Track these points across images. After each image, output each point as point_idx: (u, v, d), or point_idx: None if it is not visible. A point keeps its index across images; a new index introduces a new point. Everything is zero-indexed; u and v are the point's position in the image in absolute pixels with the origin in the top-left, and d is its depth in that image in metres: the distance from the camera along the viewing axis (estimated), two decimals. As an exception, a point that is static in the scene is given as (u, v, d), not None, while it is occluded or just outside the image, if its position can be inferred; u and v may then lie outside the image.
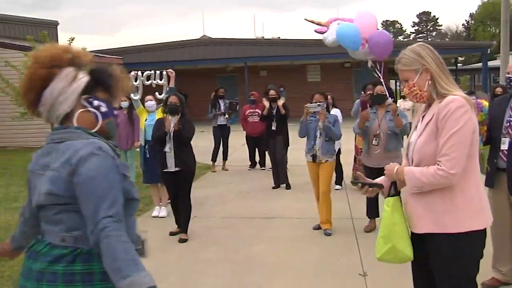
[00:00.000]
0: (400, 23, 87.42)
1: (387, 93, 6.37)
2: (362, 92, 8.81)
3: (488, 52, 25.05)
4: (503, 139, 4.34)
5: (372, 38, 6.01)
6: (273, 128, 9.35)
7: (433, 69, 2.70)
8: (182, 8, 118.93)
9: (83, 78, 2.14)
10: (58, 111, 2.13)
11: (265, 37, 31.59)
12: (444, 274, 2.74)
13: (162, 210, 7.60)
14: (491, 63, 29.41)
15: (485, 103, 4.35)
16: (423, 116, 2.81)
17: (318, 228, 6.69)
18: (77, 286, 2.02)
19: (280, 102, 9.44)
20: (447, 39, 68.11)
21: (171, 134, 6.32)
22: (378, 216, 6.64)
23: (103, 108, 2.16)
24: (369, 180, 3.00)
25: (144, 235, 2.29)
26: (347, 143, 9.61)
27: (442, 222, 2.67)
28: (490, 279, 4.70)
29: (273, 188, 9.45)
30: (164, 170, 6.44)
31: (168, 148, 6.35)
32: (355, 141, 9.09)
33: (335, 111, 8.80)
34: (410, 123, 5.84)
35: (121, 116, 9.39)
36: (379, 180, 3.02)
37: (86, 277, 2.03)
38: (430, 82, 2.71)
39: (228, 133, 11.61)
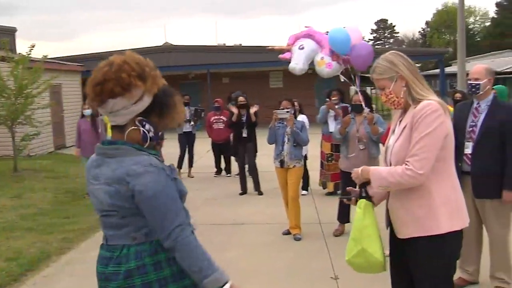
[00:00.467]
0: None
1: (363, 103, 6.48)
2: (328, 99, 8.93)
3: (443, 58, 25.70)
4: (466, 143, 4.49)
5: (354, 50, 6.09)
6: (244, 135, 9.37)
7: (407, 76, 2.75)
8: (142, 14, 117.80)
9: (146, 101, 2.28)
10: (113, 119, 2.31)
11: (227, 44, 31.66)
12: (424, 275, 2.79)
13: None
14: (447, 69, 30.26)
15: (450, 109, 4.49)
16: (400, 121, 2.87)
17: (287, 233, 6.75)
18: (164, 270, 2.28)
19: (253, 109, 9.48)
20: (404, 46, 69.57)
21: None
22: (349, 222, 6.74)
23: (151, 133, 2.30)
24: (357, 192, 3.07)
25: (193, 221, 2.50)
26: (313, 149, 9.73)
27: (424, 226, 2.72)
28: (457, 279, 4.82)
29: (240, 194, 9.48)
30: None
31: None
32: (321, 147, 9.23)
33: (302, 117, 8.90)
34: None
35: (85, 124, 9.33)
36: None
37: (166, 263, 2.29)
38: (405, 88, 2.76)
39: (194, 140, 11.60)
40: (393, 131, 2.93)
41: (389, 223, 2.95)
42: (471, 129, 4.49)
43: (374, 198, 2.99)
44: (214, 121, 10.83)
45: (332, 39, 6.09)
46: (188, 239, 2.20)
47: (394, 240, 2.93)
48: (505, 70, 36.29)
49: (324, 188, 9.33)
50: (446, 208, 2.71)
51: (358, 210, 2.91)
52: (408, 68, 2.77)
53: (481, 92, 4.46)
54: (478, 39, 63.64)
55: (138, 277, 2.25)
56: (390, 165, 2.83)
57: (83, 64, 20.81)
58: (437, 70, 38.73)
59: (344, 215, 6.72)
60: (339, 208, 6.78)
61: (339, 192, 9.19)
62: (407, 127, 2.72)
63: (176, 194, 2.25)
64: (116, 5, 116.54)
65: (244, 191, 9.56)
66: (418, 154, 2.62)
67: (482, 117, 4.46)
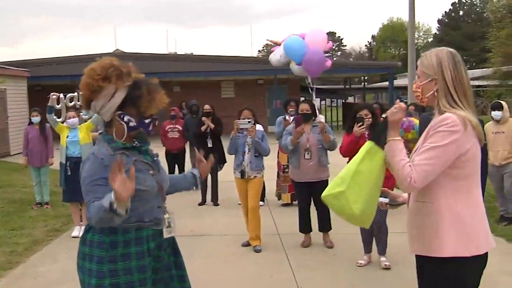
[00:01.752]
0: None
1: (316, 110, 6.50)
2: (285, 110, 8.91)
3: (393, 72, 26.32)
4: None
5: (306, 56, 6.10)
6: (209, 145, 9.20)
7: (443, 84, 2.56)
8: (92, 21, 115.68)
9: (119, 97, 2.65)
10: (102, 117, 2.73)
11: (178, 53, 31.38)
12: None
13: (83, 230, 7.19)
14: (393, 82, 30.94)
15: (416, 122, 4.53)
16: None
17: (247, 244, 6.64)
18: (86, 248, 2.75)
19: (209, 120, 9.29)
20: (351, 59, 71.14)
21: None
22: (311, 231, 6.71)
23: (132, 123, 2.67)
24: (393, 195, 2.94)
25: (171, 217, 2.87)
26: (269, 160, 9.64)
27: (429, 245, 2.54)
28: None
29: (199, 204, 9.29)
30: None
31: None
32: (278, 157, 9.18)
33: (259, 127, 8.84)
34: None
35: (33, 131, 8.96)
36: (393, 194, 2.96)
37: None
38: (436, 93, 2.58)
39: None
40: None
41: None
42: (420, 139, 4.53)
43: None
44: (169, 130, 10.59)
45: (287, 47, 6.15)
46: (93, 203, 2.51)
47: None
48: (448, 84, 37.64)
49: (279, 199, 9.28)
50: (455, 230, 2.49)
51: (361, 150, 2.71)
52: (451, 77, 2.56)
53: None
54: (422, 53, 65.81)
55: (84, 247, 2.73)
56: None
57: (29, 70, 20.11)
58: (383, 83, 39.80)
59: (305, 225, 6.69)
60: (299, 219, 6.74)
61: (295, 202, 9.19)
62: (422, 136, 2.60)
63: (100, 181, 2.54)
64: (64, 11, 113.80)
65: (203, 201, 9.38)
66: (421, 165, 2.46)
67: None
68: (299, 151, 6.46)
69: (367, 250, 5.93)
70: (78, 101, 7.31)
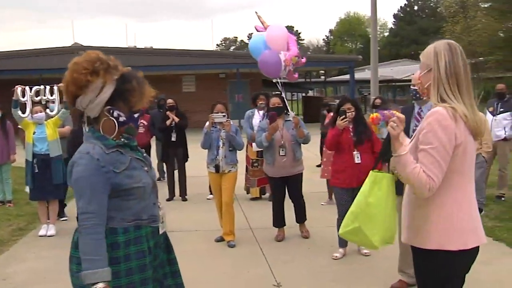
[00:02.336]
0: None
1: (287, 105, 6.52)
2: (254, 104, 8.87)
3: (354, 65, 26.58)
4: None
5: (262, 57, 6.08)
6: (173, 139, 9.06)
7: (437, 75, 2.53)
8: (49, 14, 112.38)
9: (107, 92, 2.55)
10: (88, 113, 2.61)
11: (137, 47, 30.88)
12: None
13: (51, 228, 7.04)
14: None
15: (398, 114, 4.54)
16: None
17: (220, 240, 6.59)
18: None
19: (173, 114, 9.18)
20: (309, 53, 71.64)
21: None
22: (285, 225, 6.72)
23: (122, 118, 2.58)
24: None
25: (162, 211, 2.79)
26: (238, 153, 9.60)
27: (416, 236, 2.57)
28: (397, 282, 4.92)
29: (167, 200, 9.15)
30: None
31: None
32: (247, 151, 9.13)
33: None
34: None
35: (-6, 128, 8.62)
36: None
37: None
38: (431, 84, 2.57)
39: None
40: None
41: None
42: (414, 133, 4.56)
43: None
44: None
45: (251, 45, 6.14)
46: (88, 230, 2.41)
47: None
48: (404, 78, 38.42)
49: (247, 193, 9.25)
50: (441, 224, 2.50)
51: (366, 182, 2.63)
52: (445, 68, 2.52)
53: (425, 98, 4.56)
54: (378, 48, 66.94)
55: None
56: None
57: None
58: (342, 77, 40.26)
59: (279, 220, 6.70)
60: (273, 213, 6.73)
61: (264, 196, 9.18)
62: (417, 132, 2.59)
63: (100, 184, 2.46)
64: (19, 3, 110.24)
65: (171, 197, 9.26)
66: (431, 169, 2.42)
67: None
68: (273, 148, 6.44)
69: (342, 244, 5.94)
70: (45, 95, 7.05)
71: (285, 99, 6.63)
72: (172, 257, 2.89)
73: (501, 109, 8.59)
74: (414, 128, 4.61)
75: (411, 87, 4.64)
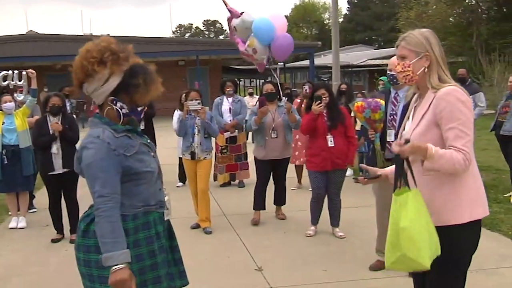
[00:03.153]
0: (220, 23, 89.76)
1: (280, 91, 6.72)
2: (222, 91, 8.88)
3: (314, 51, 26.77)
4: (388, 131, 4.70)
5: (276, 40, 6.29)
6: (141, 127, 8.96)
7: (435, 58, 2.66)
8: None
9: (113, 82, 2.56)
10: (94, 99, 2.65)
11: (93, 34, 30.17)
12: (438, 267, 2.59)
13: (21, 221, 6.89)
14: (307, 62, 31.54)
15: (382, 102, 4.65)
16: (415, 107, 2.78)
17: (196, 227, 6.61)
18: (90, 240, 2.59)
19: None
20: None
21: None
22: (264, 209, 6.82)
23: (124, 110, 2.60)
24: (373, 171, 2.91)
25: (167, 198, 2.82)
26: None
27: (443, 215, 2.60)
28: (375, 262, 5.07)
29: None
30: (50, 173, 6.09)
31: (56, 149, 6.05)
32: (216, 139, 9.12)
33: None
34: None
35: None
36: (372, 169, 2.94)
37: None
38: (426, 69, 2.66)
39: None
40: (408, 117, 2.83)
41: None
42: (391, 117, 4.69)
43: (390, 180, 2.79)
44: (98, 114, 10.23)
45: (256, 28, 6.24)
46: (106, 213, 2.43)
47: None
48: (360, 64, 39.01)
49: (215, 180, 9.26)
50: (467, 197, 2.61)
51: (393, 207, 2.57)
52: (439, 51, 2.68)
53: (401, 83, 4.67)
54: (333, 34, 67.65)
55: (89, 239, 2.58)
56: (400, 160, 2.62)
57: None
58: (301, 63, 40.48)
59: (260, 203, 6.80)
60: (255, 196, 6.82)
61: (233, 182, 9.23)
62: (428, 113, 2.63)
63: (112, 167, 2.48)
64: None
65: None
66: (465, 144, 2.51)
67: (401, 105, 4.67)
68: (264, 130, 6.59)
69: (314, 222, 6.18)
70: (13, 81, 6.85)
71: (278, 85, 6.77)
72: (174, 244, 2.92)
73: None
74: (391, 112, 4.73)
75: (388, 72, 4.74)
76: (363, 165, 3.01)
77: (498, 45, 22.52)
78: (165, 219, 2.77)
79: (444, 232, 2.55)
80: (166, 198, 2.79)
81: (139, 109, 2.65)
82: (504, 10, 30.87)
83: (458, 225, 2.60)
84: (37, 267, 5.48)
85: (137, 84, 2.55)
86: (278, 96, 6.73)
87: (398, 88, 4.74)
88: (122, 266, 2.40)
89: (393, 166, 2.82)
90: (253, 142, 7.21)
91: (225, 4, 6.60)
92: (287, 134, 6.67)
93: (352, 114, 8.94)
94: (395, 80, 4.67)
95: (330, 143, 5.85)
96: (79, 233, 2.64)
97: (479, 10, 31.28)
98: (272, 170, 6.79)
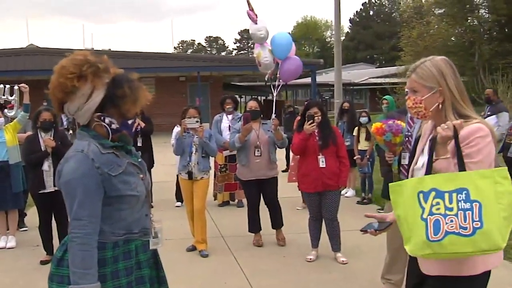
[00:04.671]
0: (223, 40, 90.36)
1: (273, 108, 6.50)
2: (222, 107, 8.67)
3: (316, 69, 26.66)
4: (403, 154, 4.44)
5: (286, 61, 6.24)
6: (139, 144, 8.74)
7: (450, 94, 2.40)
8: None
9: (97, 97, 2.33)
10: (77, 120, 2.41)
11: (95, 49, 30.14)
12: None
13: (11, 240, 6.63)
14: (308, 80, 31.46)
15: (403, 125, 4.41)
16: (430, 139, 2.53)
17: (192, 249, 6.34)
18: (64, 270, 2.35)
19: (138, 118, 8.87)
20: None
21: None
22: (261, 230, 6.54)
23: (114, 125, 2.36)
24: (379, 218, 2.64)
25: (158, 226, 2.57)
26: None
27: (454, 265, 2.32)
28: (380, 291, 4.80)
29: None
30: (40, 192, 5.85)
31: (47, 167, 5.84)
32: (215, 157, 8.90)
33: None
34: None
35: None
36: (379, 216, 2.67)
37: None
38: (440, 106, 2.41)
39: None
40: (421, 150, 2.59)
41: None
42: (406, 139, 4.42)
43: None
44: (95, 129, 10.01)
45: (275, 42, 6.11)
46: (79, 239, 2.22)
47: (414, 271, 2.54)
48: (362, 82, 38.98)
49: (215, 200, 9.02)
50: None
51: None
52: (455, 83, 2.41)
53: (426, 121, 4.45)
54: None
55: (63, 268, 2.34)
56: (431, 148, 2.41)
57: None
58: (302, 80, 40.48)
59: (255, 225, 6.57)
60: (249, 219, 6.59)
61: (232, 202, 8.97)
62: (450, 149, 2.36)
63: (93, 186, 2.26)
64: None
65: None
66: None
67: (417, 126, 4.44)
68: (248, 148, 6.32)
69: (315, 245, 5.94)
70: (4, 95, 6.64)
71: (274, 102, 6.59)
72: (161, 275, 2.66)
73: (488, 113, 8.87)
74: (407, 133, 4.47)
75: (406, 90, 4.50)
76: (368, 214, 2.73)
77: (501, 65, 22.39)
78: (152, 248, 2.51)
79: (450, 283, 2.30)
80: (157, 226, 2.54)
81: (129, 122, 2.44)
82: (506, 30, 30.92)
83: (470, 276, 2.32)
84: (25, 289, 5.21)
85: (124, 94, 2.35)
86: (262, 114, 6.50)
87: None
88: None
89: None
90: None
91: (248, 4, 6.48)
92: (272, 152, 6.41)
93: (355, 133, 8.82)
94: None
95: (322, 164, 5.65)
96: (54, 261, 2.41)
97: (481, 30, 31.34)
98: (261, 191, 6.50)
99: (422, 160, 2.55)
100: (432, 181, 2.23)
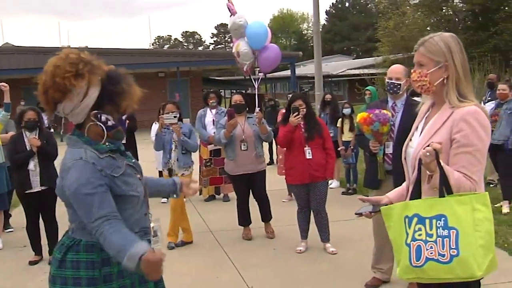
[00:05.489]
0: (199, 34, 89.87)
1: (256, 101, 6.46)
2: (205, 102, 8.65)
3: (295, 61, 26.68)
4: (387, 143, 4.51)
5: (264, 51, 6.17)
6: (123, 141, 8.67)
7: (455, 70, 2.41)
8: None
9: (93, 95, 2.32)
10: (71, 119, 2.37)
11: (71, 46, 29.79)
12: None
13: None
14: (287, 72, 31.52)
15: (389, 114, 4.45)
16: (426, 117, 2.57)
17: (181, 244, 6.35)
18: (80, 271, 2.33)
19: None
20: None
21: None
22: (251, 223, 6.57)
23: (110, 122, 2.37)
24: (374, 201, 2.69)
25: (157, 224, 2.58)
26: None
27: None
28: (371, 279, 4.85)
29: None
30: (27, 192, 5.77)
31: (33, 166, 5.73)
32: (200, 152, 8.89)
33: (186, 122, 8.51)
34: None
35: None
36: (374, 199, 2.71)
37: (75, 264, 2.34)
38: (445, 81, 2.42)
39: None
40: (417, 127, 2.62)
41: None
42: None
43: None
44: (77, 128, 9.90)
45: (250, 32, 6.11)
46: (107, 228, 2.20)
47: None
48: (340, 74, 39.16)
49: (200, 194, 9.01)
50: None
51: (464, 210, 2.20)
52: (461, 61, 2.42)
53: (401, 92, 4.51)
54: (311, 44, 67.93)
55: (66, 270, 2.35)
56: (420, 167, 2.42)
57: None
58: (281, 73, 40.49)
59: (245, 218, 6.58)
60: (239, 213, 6.60)
61: (218, 196, 8.97)
62: (442, 130, 2.41)
63: (103, 187, 2.26)
64: None
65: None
66: (475, 172, 2.32)
67: (399, 116, 4.51)
68: (234, 143, 6.31)
69: (304, 236, 5.99)
70: None
71: (256, 95, 6.57)
72: (160, 285, 2.66)
73: (489, 98, 8.84)
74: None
75: (388, 80, 4.55)
76: (362, 197, 2.78)
77: (477, 54, 22.67)
78: (153, 247, 2.51)
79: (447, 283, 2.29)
80: (152, 224, 2.54)
81: (123, 117, 2.48)
82: (480, 19, 31.31)
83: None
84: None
85: (123, 91, 2.37)
86: (247, 108, 6.48)
87: (396, 98, 4.57)
88: (147, 251, 2.17)
89: (395, 189, 2.78)
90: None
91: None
92: (258, 146, 6.41)
93: (339, 125, 8.88)
94: (394, 89, 4.50)
95: (308, 155, 5.69)
96: (54, 263, 2.40)
97: (456, 20, 31.70)
98: (249, 185, 6.51)
99: (415, 138, 2.60)
100: (415, 206, 2.30)
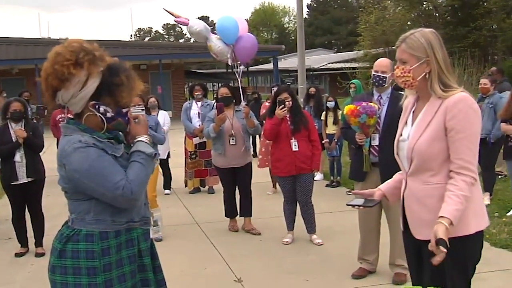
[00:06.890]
0: (180, 27, 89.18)
1: (241, 95, 6.44)
2: (191, 95, 8.67)
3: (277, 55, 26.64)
4: (373, 135, 4.58)
5: (239, 42, 6.10)
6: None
7: (437, 64, 2.51)
8: None
9: (92, 85, 2.33)
10: (70, 108, 2.39)
11: (51, 37, 29.37)
12: (444, 276, 2.54)
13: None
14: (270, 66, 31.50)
15: (376, 106, 4.51)
16: (413, 111, 2.65)
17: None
18: (80, 260, 2.34)
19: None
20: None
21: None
22: (238, 215, 6.61)
23: (109, 114, 2.37)
24: (367, 194, 2.79)
25: (157, 214, 2.55)
26: (176, 146, 9.35)
27: (455, 225, 2.44)
28: (358, 269, 4.94)
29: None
30: (12, 183, 5.71)
31: (19, 158, 5.69)
32: (185, 144, 8.90)
33: (162, 114, 8.48)
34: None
35: None
36: (367, 192, 2.81)
37: (75, 254, 2.36)
38: (427, 75, 2.52)
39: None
40: (406, 122, 2.70)
41: (406, 225, 2.71)
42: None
43: (390, 198, 2.81)
44: (60, 119, 9.80)
45: (220, 27, 6.05)
46: (131, 185, 2.29)
47: (410, 242, 2.72)
48: (321, 67, 39.30)
49: (185, 186, 9.03)
50: (473, 208, 2.53)
51: None
52: (442, 56, 2.52)
53: (386, 85, 4.59)
54: (293, 37, 67.83)
55: (66, 259, 2.36)
56: (411, 161, 2.56)
57: None
58: (263, 66, 40.47)
59: (232, 210, 6.61)
60: (225, 205, 6.62)
61: (203, 188, 8.98)
62: (435, 121, 2.50)
63: (109, 160, 2.31)
64: None
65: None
66: (470, 159, 2.46)
67: (384, 108, 4.58)
68: (223, 137, 6.32)
69: (290, 228, 6.05)
70: None
71: (240, 89, 6.59)
72: (157, 264, 2.70)
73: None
74: (375, 115, 4.61)
75: (374, 73, 4.61)
76: (356, 191, 2.89)
77: (456, 48, 22.97)
78: (153, 237, 2.56)
79: (451, 243, 2.42)
80: (155, 215, 2.59)
81: (124, 110, 2.45)
82: (459, 14, 31.69)
83: (465, 236, 2.52)
84: (1, 286, 5.14)
85: (121, 83, 2.36)
86: (234, 100, 6.47)
87: (382, 90, 4.64)
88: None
89: (387, 182, 2.88)
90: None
91: (173, 15, 6.44)
92: (246, 140, 6.44)
93: (323, 118, 8.95)
94: (380, 82, 4.56)
95: (294, 147, 5.75)
96: (54, 253, 2.42)
97: (436, 15, 32.06)
98: (235, 176, 6.51)
99: (406, 131, 2.68)
100: None
